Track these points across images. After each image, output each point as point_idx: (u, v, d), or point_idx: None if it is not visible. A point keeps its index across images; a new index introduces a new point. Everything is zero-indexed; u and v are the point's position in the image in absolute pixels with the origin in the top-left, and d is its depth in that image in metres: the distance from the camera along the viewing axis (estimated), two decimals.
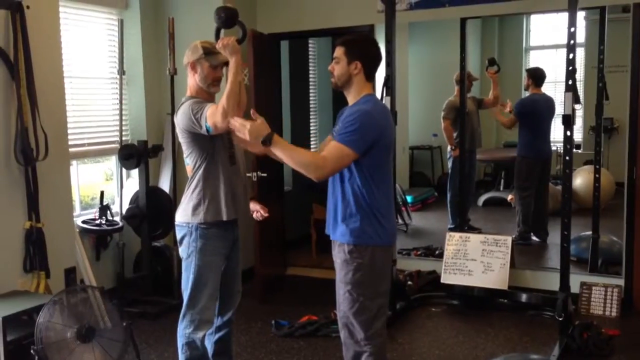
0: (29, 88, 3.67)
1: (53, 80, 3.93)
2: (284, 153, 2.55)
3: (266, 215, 3.19)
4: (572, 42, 3.56)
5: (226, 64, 2.83)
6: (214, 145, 2.87)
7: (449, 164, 6.05)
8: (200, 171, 2.89)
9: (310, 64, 6.94)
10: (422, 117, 6.87)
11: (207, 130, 2.73)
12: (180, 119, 2.83)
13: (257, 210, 3.16)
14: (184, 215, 2.92)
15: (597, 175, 4.76)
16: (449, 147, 5.92)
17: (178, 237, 2.98)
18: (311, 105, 6.96)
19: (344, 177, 2.59)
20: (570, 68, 3.56)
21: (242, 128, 2.52)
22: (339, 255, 2.66)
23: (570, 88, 3.56)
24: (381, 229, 2.59)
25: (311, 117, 6.98)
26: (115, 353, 3.35)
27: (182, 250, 2.96)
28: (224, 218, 2.91)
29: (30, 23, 3.67)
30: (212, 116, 2.68)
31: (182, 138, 2.90)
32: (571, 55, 3.55)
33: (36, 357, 3.06)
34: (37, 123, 3.71)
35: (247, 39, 2.89)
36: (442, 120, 5.88)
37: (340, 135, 2.52)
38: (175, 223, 2.98)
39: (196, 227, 2.89)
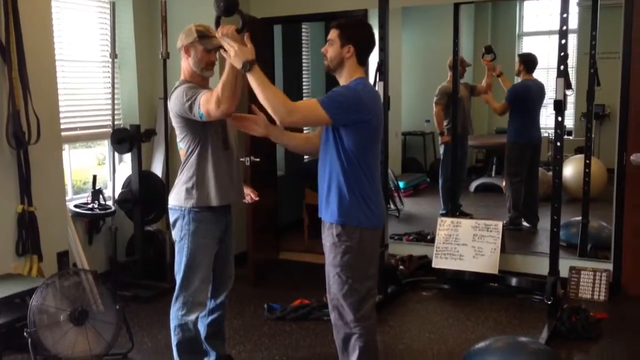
0: (20, 71, 3.65)
1: (45, 64, 3.92)
2: (259, 86, 2.50)
3: (256, 199, 3.22)
4: (564, 28, 3.58)
5: (220, 47, 2.82)
6: (207, 130, 2.87)
7: (441, 150, 6.07)
8: (194, 156, 2.89)
9: (304, 49, 6.92)
10: (415, 103, 6.88)
11: (200, 117, 2.73)
12: (174, 104, 2.83)
13: (247, 194, 3.19)
14: (177, 198, 2.93)
15: (587, 161, 4.79)
16: None
17: (171, 220, 2.99)
18: (304, 90, 6.95)
19: (333, 160, 2.62)
20: (562, 54, 3.58)
21: (230, 47, 2.51)
22: (327, 238, 2.68)
23: (562, 74, 3.58)
24: (370, 212, 2.62)
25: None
26: (108, 336, 3.38)
27: (175, 233, 2.97)
28: (217, 203, 2.91)
29: (21, 5, 3.65)
30: (206, 104, 2.68)
31: (175, 123, 2.90)
32: (563, 41, 3.57)
33: (29, 340, 3.08)
34: (28, 106, 3.71)
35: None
36: (434, 106, 5.89)
37: (322, 97, 2.54)
38: (168, 206, 2.99)
39: (189, 210, 2.90)
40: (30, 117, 3.71)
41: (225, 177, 2.95)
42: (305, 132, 2.99)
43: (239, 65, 2.50)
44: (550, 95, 5.22)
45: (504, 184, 5.97)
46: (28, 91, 3.69)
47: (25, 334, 3.08)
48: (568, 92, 3.60)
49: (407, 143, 7.20)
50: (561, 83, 3.58)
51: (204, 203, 2.89)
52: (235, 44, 2.51)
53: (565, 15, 3.58)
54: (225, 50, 2.58)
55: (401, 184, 6.61)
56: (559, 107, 3.61)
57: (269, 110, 2.52)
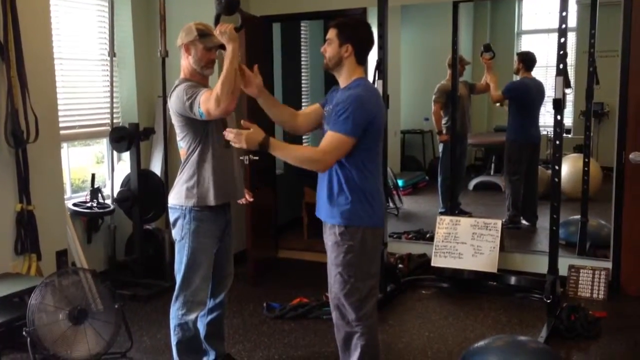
0: (19, 69, 3.65)
1: (43, 62, 3.91)
2: (283, 153, 2.61)
3: (250, 200, 3.23)
4: (563, 26, 3.58)
5: (220, 46, 2.82)
6: (208, 129, 2.87)
7: (440, 148, 6.07)
8: (195, 155, 2.89)
9: (302, 48, 6.92)
10: (414, 101, 6.88)
11: (200, 116, 2.73)
12: (174, 102, 2.82)
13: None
14: (178, 198, 2.93)
15: (586, 160, 4.79)
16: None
17: (171, 219, 2.98)
18: (303, 89, 6.95)
19: None
20: (562, 52, 3.57)
21: (238, 138, 2.54)
22: (330, 237, 2.68)
23: (561, 72, 3.57)
24: (371, 211, 2.62)
25: (303, 100, 6.96)
26: (107, 335, 3.38)
27: (176, 233, 2.96)
28: (218, 202, 2.91)
29: (20, 4, 3.64)
30: (206, 102, 2.68)
31: (175, 121, 2.90)
32: (562, 39, 3.56)
33: (28, 339, 3.08)
34: (27, 105, 3.70)
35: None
36: (432, 104, 5.89)
37: (336, 124, 2.53)
38: (169, 205, 2.98)
39: (190, 209, 2.89)
40: (29, 115, 3.71)
41: (226, 175, 2.95)
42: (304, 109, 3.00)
43: (255, 149, 2.54)
44: (549, 93, 5.22)
45: (502, 184, 5.97)
46: (26, 90, 3.68)
47: (24, 333, 3.08)
48: (567, 90, 3.60)
49: (406, 141, 7.20)
50: (560, 82, 3.57)
51: (204, 202, 2.89)
52: (243, 132, 2.53)
53: (564, 14, 3.57)
54: (224, 49, 2.58)
55: (400, 182, 6.62)
56: (558, 105, 3.61)
57: (305, 167, 2.60)
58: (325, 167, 2.60)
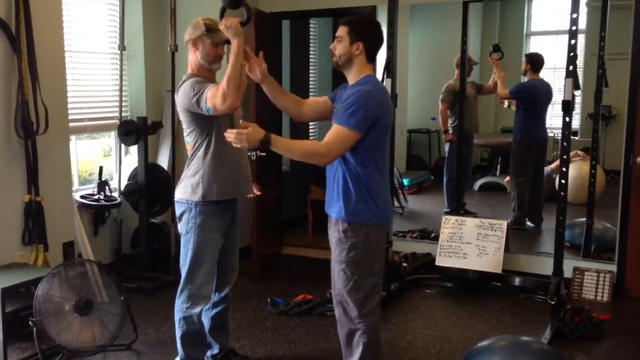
0: (30, 61, 3.67)
1: (54, 54, 3.93)
2: (286, 149, 2.60)
3: (259, 193, 3.24)
4: (574, 28, 3.57)
5: (228, 41, 2.83)
6: (215, 124, 2.88)
7: (446, 148, 6.07)
8: (201, 149, 2.90)
9: (311, 45, 6.92)
10: (421, 101, 6.88)
11: (207, 111, 2.74)
12: (181, 98, 2.83)
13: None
14: (184, 192, 2.94)
15: (593, 162, 4.79)
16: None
17: (177, 213, 3.00)
18: (311, 86, 6.95)
19: (343, 156, 2.61)
20: (572, 54, 3.57)
21: (239, 138, 2.51)
22: (334, 234, 2.69)
23: (571, 74, 3.57)
24: (376, 209, 2.62)
25: (310, 97, 6.97)
26: (113, 327, 3.40)
27: (181, 227, 2.98)
28: (223, 197, 2.93)
29: None
30: (212, 98, 2.69)
31: (183, 117, 2.91)
32: (573, 41, 3.56)
33: (34, 329, 3.10)
34: (37, 97, 3.72)
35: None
36: (439, 103, 5.89)
37: (342, 118, 2.54)
38: (175, 199, 3.00)
39: (196, 204, 2.91)
40: (39, 107, 3.72)
41: (233, 170, 2.96)
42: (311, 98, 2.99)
43: (257, 147, 2.53)
44: (557, 95, 5.22)
45: (506, 179, 5.95)
46: (37, 82, 3.70)
47: (30, 322, 3.10)
48: (576, 92, 3.59)
49: (412, 140, 7.21)
50: (570, 83, 3.57)
51: (210, 197, 2.90)
52: (243, 132, 2.50)
53: (575, 16, 3.56)
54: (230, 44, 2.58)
55: (405, 181, 6.62)
56: (567, 107, 3.60)
57: (309, 161, 2.61)
58: (329, 161, 2.59)
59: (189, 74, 2.92)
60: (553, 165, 5.97)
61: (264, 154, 4.51)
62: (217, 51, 2.91)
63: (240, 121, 2.62)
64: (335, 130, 2.54)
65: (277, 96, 2.88)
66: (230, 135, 2.53)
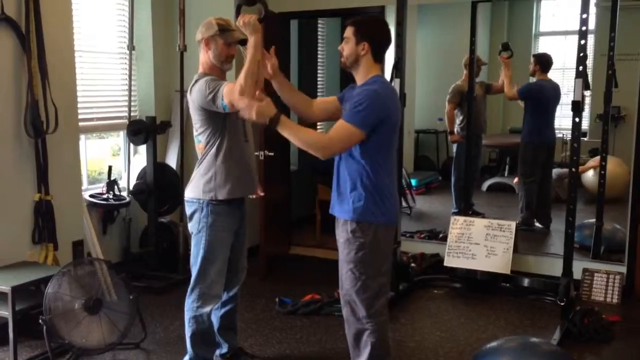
0: (40, 60, 3.69)
1: (64, 54, 3.95)
2: (291, 133, 2.58)
3: (262, 194, 3.25)
4: (584, 28, 3.56)
5: (240, 42, 2.84)
6: (228, 123, 2.89)
7: (454, 149, 6.06)
8: (214, 148, 2.91)
9: (319, 45, 6.92)
10: (429, 101, 6.86)
11: (224, 108, 2.74)
12: (196, 96, 2.84)
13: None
14: (195, 191, 2.95)
15: (603, 163, 4.77)
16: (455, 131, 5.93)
17: (188, 212, 3.00)
18: (319, 86, 6.95)
19: (349, 155, 2.62)
20: (582, 54, 3.55)
21: (249, 108, 2.53)
22: (342, 234, 2.69)
23: (581, 74, 3.55)
24: (384, 208, 2.62)
25: (318, 97, 6.97)
26: (122, 325, 3.41)
27: (192, 226, 2.98)
28: (234, 196, 2.93)
29: None
30: (229, 94, 2.69)
31: (196, 115, 2.91)
32: (583, 42, 3.55)
33: (44, 327, 3.11)
34: (47, 96, 3.74)
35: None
36: (446, 104, 5.87)
37: (348, 115, 2.54)
38: (186, 199, 3.00)
39: (207, 203, 2.91)
40: (49, 106, 3.74)
41: (244, 170, 2.97)
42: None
43: (265, 123, 2.53)
44: (566, 96, 5.19)
45: (515, 180, 5.93)
46: (47, 81, 3.72)
47: (40, 321, 3.12)
48: (586, 93, 3.58)
49: (420, 141, 7.18)
50: (580, 84, 3.55)
51: (222, 196, 2.91)
52: (255, 104, 2.51)
53: (585, 16, 3.55)
54: (243, 45, 2.58)
55: (413, 182, 6.60)
56: (577, 108, 3.58)
57: (309, 151, 2.58)
58: (328, 155, 2.58)
59: (201, 74, 2.93)
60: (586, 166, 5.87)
61: (271, 153, 4.58)
62: (230, 51, 2.91)
63: (257, 92, 2.61)
64: (340, 126, 2.55)
65: (287, 93, 2.88)
66: (241, 103, 2.52)
